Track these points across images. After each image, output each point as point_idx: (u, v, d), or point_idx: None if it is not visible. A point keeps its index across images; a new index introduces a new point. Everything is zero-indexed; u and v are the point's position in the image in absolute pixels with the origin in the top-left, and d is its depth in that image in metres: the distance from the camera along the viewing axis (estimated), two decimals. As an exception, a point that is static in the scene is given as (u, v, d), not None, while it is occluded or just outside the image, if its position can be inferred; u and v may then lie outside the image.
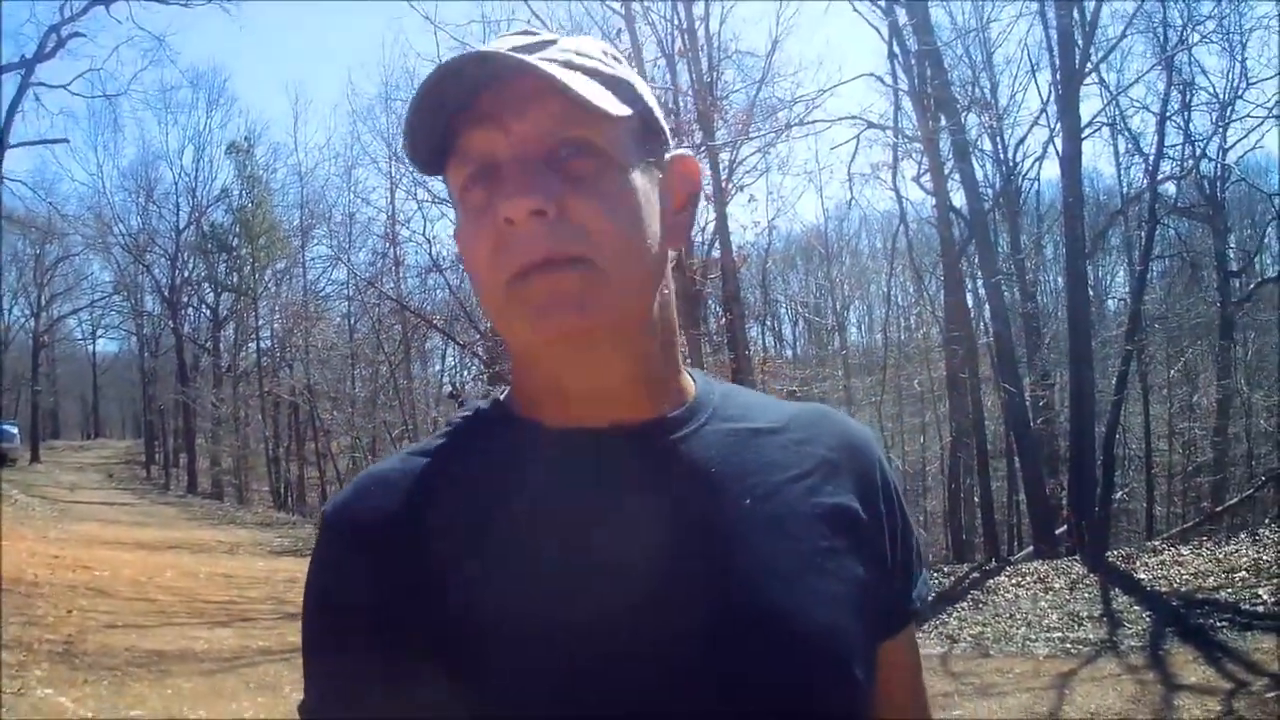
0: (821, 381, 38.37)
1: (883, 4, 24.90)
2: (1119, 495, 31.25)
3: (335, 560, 1.45)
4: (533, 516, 1.39)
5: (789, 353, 59.55)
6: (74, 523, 30.21)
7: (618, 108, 1.38)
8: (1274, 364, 30.59)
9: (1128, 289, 32.60)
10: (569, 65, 1.38)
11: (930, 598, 1.78)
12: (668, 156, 1.53)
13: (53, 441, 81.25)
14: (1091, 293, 35.58)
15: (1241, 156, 33.11)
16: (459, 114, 1.37)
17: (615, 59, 1.48)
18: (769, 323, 58.76)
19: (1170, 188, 30.67)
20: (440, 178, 1.49)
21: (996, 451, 32.09)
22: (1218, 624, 13.41)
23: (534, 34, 1.46)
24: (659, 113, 1.53)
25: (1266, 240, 38.01)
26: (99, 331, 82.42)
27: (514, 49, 1.38)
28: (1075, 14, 22.26)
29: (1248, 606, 13.86)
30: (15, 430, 58.94)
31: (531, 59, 1.34)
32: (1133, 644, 13.53)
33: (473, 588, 1.34)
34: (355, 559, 1.41)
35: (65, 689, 11.48)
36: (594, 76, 1.39)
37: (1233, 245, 36.08)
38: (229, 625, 16.20)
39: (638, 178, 1.43)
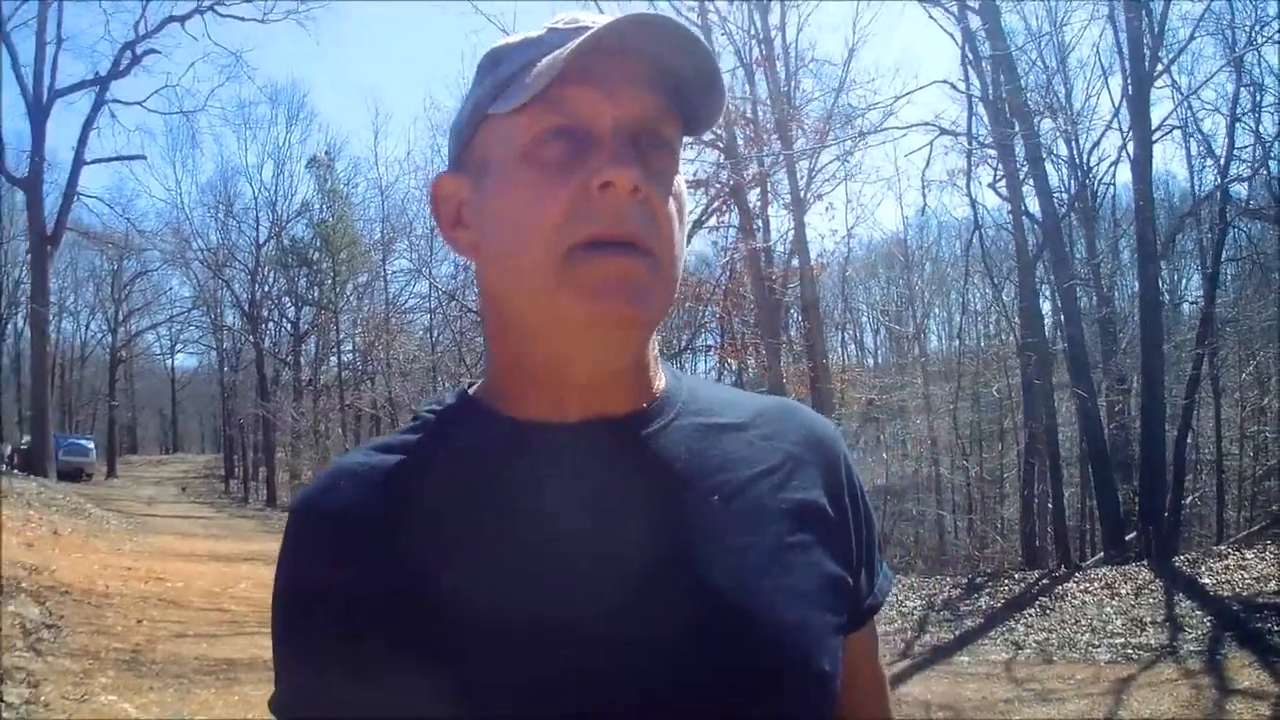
0: (900, 389, 38.25)
1: (955, 10, 24.86)
2: (1189, 500, 31.09)
3: (303, 553, 1.47)
4: (502, 511, 1.41)
5: (870, 361, 59.36)
6: (149, 535, 30.39)
7: (715, 120, 1.48)
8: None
9: (1201, 292, 32.33)
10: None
11: (890, 590, 1.75)
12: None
13: (130, 456, 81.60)
14: (1166, 297, 35.39)
15: None
16: (571, 68, 1.35)
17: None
18: (850, 331, 58.73)
19: (1241, 190, 30.59)
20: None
21: (1071, 458, 31.96)
22: (1276, 628, 13.53)
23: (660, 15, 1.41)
24: None
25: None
26: (178, 346, 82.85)
27: (685, 25, 1.40)
28: (1144, 17, 22.22)
29: (1312, 613, 13.81)
30: (91, 445, 59.28)
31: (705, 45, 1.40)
32: (1192, 649, 13.64)
33: (442, 581, 1.37)
34: (323, 552, 1.44)
35: (130, 695, 11.58)
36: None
37: None
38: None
39: (682, 187, 1.48)
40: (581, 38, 1.33)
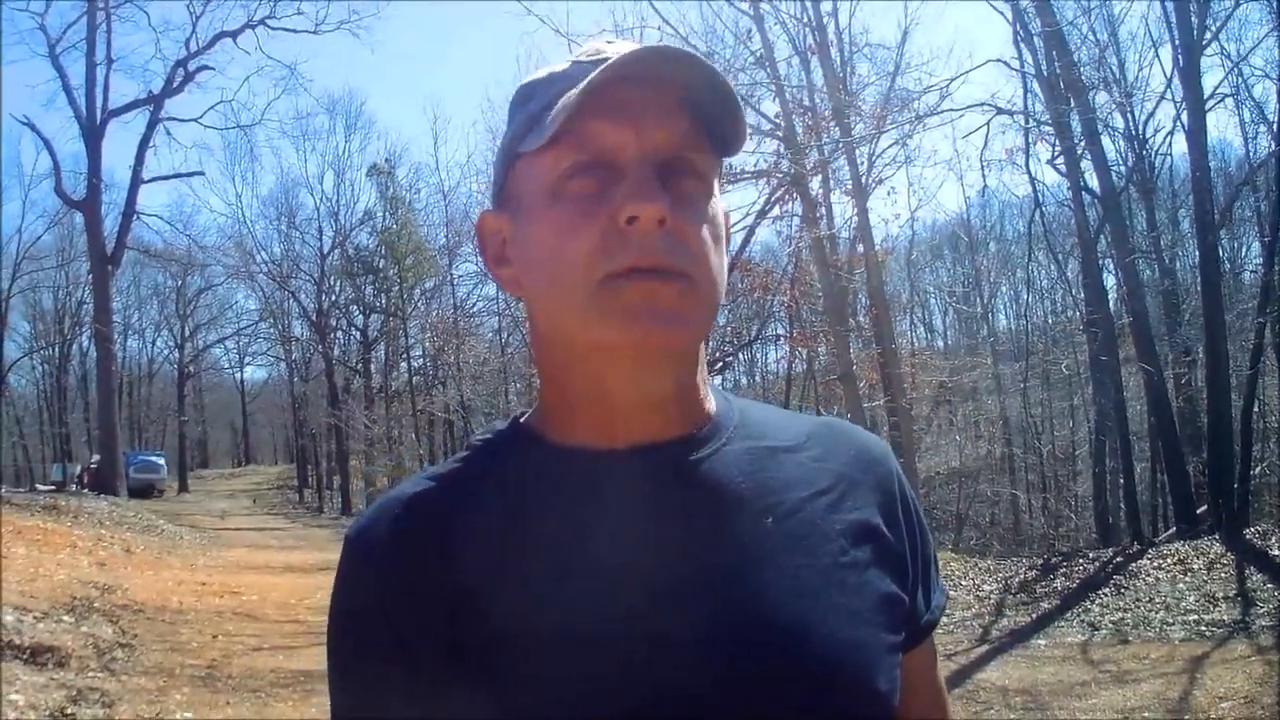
0: (971, 370, 38.14)
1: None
2: (1257, 471, 30.93)
3: (358, 580, 1.48)
4: (552, 537, 1.41)
5: (940, 343, 59.29)
6: (223, 549, 30.75)
7: (742, 143, 1.48)
8: None
9: (1260, 260, 32.11)
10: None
11: (945, 605, 1.76)
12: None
13: (201, 470, 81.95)
14: (1228, 266, 35.23)
15: None
16: (591, 99, 1.36)
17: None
18: (919, 314, 58.59)
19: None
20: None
21: (1141, 432, 31.84)
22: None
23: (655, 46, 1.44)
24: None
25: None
26: (246, 359, 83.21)
27: (697, 55, 1.40)
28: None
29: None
30: (162, 461, 59.70)
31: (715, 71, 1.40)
32: (1264, 624, 13.72)
33: (493, 608, 1.38)
34: (378, 579, 1.45)
35: (205, 711, 11.73)
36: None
37: None
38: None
39: (720, 214, 1.48)
40: (595, 71, 1.36)
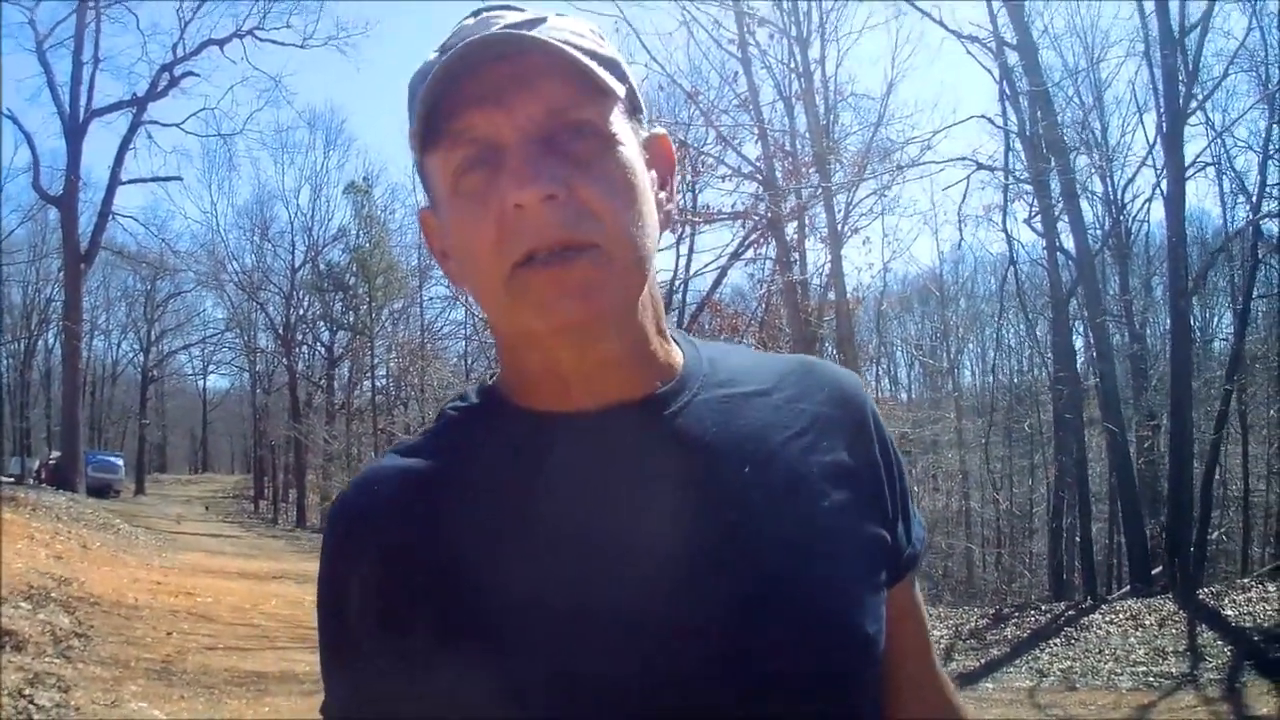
0: (934, 424, 38.33)
1: (993, 46, 25.09)
2: (1215, 535, 31.08)
3: (342, 555, 1.49)
4: (532, 502, 1.42)
5: (904, 395, 59.41)
6: (179, 552, 30.74)
7: (618, 86, 1.43)
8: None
9: (1232, 329, 32.35)
10: (568, 45, 1.39)
11: (925, 538, 1.73)
12: (646, 135, 1.54)
13: (159, 474, 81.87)
14: (1199, 334, 35.40)
15: None
16: (453, 93, 1.38)
17: (601, 37, 1.51)
18: (885, 365, 58.69)
19: (1273, 226, 30.63)
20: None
21: (1100, 493, 32.01)
22: (1295, 657, 13.50)
23: (520, 10, 1.47)
24: (640, 91, 1.56)
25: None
26: (210, 367, 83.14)
27: (507, 26, 1.41)
28: (1179, 54, 22.38)
29: (1327, 640, 13.93)
30: (120, 462, 59.51)
31: (532, 34, 1.38)
32: (1212, 677, 13.87)
33: (480, 575, 1.38)
34: (361, 552, 1.45)
35: (160, 704, 11.80)
36: (591, 56, 1.41)
37: None
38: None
39: (634, 159, 1.45)
40: (426, 81, 1.39)
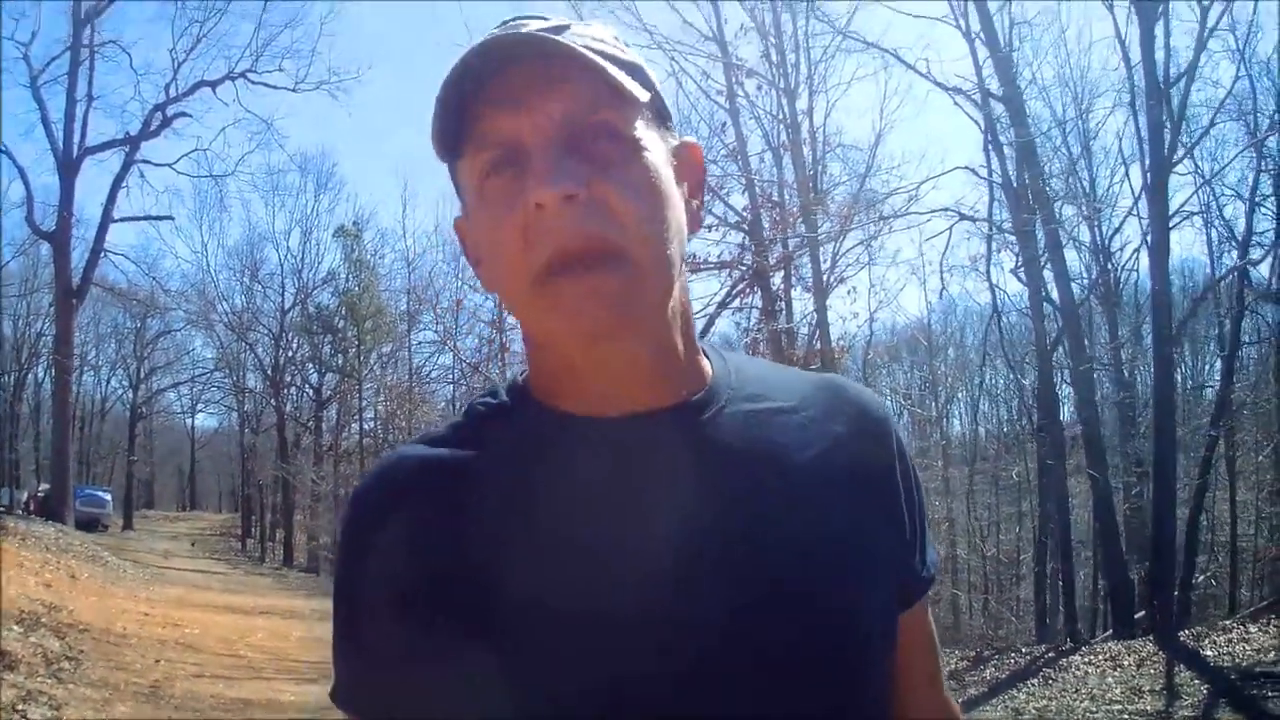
0: (922, 471, 38.49)
1: (978, 98, 25.22)
2: (1201, 579, 31.08)
3: (361, 540, 1.48)
4: (556, 503, 1.42)
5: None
6: (165, 585, 30.88)
7: (641, 92, 1.43)
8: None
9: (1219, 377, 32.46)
10: (589, 49, 1.39)
11: (938, 563, 1.72)
12: (675, 143, 1.55)
13: (147, 510, 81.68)
14: (1190, 381, 35.51)
15: None
16: (478, 97, 1.39)
17: (624, 43, 1.51)
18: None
19: (1263, 273, 30.71)
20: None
21: (1087, 538, 32.25)
22: (1269, 695, 13.90)
23: (545, 18, 1.48)
24: (666, 98, 1.58)
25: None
26: (199, 406, 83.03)
27: (533, 32, 1.41)
28: (1165, 105, 22.47)
29: (1301, 679, 14.07)
30: (108, 497, 59.54)
31: (557, 39, 1.39)
32: (1186, 714, 14.03)
33: (499, 568, 1.38)
34: (380, 538, 1.45)
35: None
36: (613, 61, 1.41)
37: None
38: (317, 682, 16.53)
39: (658, 163, 1.45)
40: (443, 82, 1.40)
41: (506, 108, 1.38)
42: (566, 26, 1.43)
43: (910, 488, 1.64)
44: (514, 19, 1.48)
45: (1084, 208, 30.95)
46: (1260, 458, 34.72)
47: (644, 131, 1.45)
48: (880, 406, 1.67)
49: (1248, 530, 34.25)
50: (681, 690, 1.33)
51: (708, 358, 1.58)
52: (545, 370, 1.51)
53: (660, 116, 1.52)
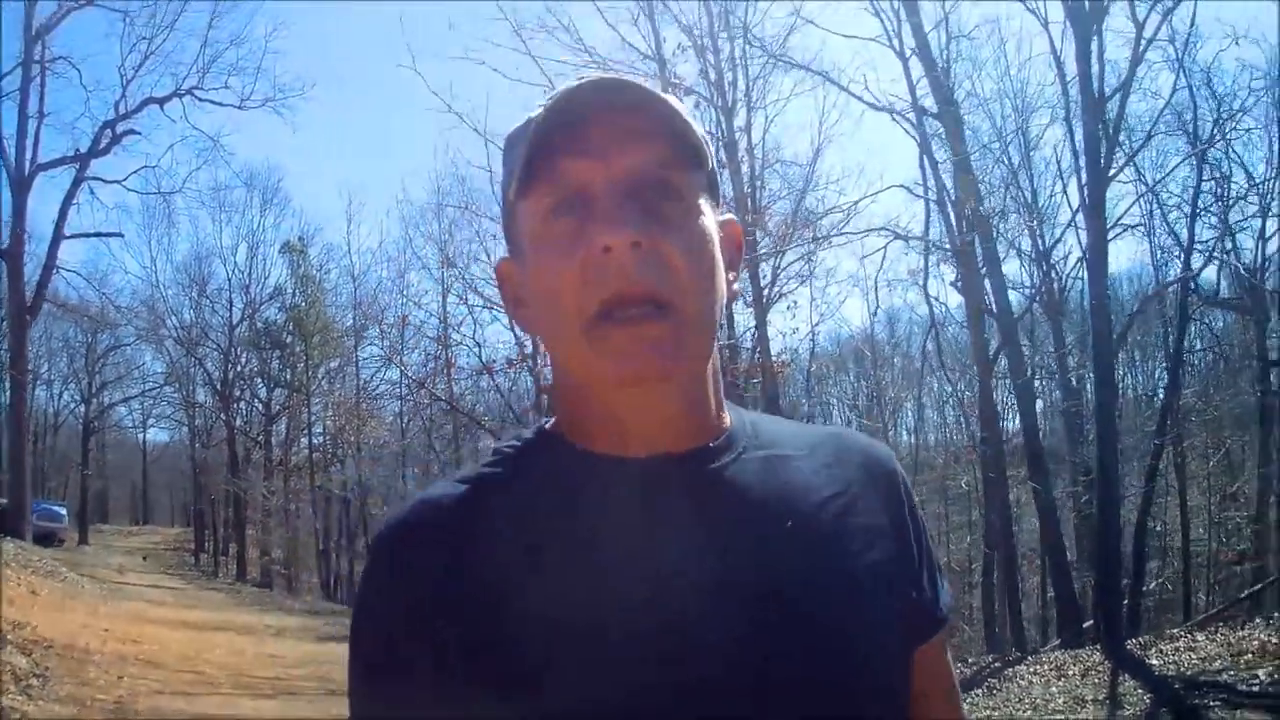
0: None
1: (912, 117, 25.41)
2: (1152, 585, 31.20)
3: (392, 581, 1.48)
4: (589, 541, 1.43)
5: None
6: (122, 601, 30.77)
7: (709, 160, 1.50)
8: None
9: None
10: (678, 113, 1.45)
11: (950, 603, 1.74)
12: (721, 218, 1.58)
13: (101, 525, 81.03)
14: (1140, 389, 35.64)
15: None
16: (553, 143, 1.42)
17: (693, 117, 1.51)
18: (821, 424, 59.14)
19: (1210, 279, 30.95)
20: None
21: (1037, 548, 32.10)
22: (1211, 704, 13.93)
23: (618, 76, 1.49)
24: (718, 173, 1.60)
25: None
26: (150, 420, 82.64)
27: (631, 80, 1.46)
28: (1100, 120, 22.58)
29: (1243, 687, 14.31)
30: (63, 511, 58.92)
31: (661, 94, 1.45)
32: (1127, 723, 13.96)
33: (532, 611, 1.39)
34: (413, 580, 1.45)
35: None
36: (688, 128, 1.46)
37: None
38: (274, 698, 16.90)
39: (712, 230, 1.50)
40: (539, 115, 1.43)
41: (583, 156, 1.42)
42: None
43: (919, 530, 1.69)
44: (589, 79, 1.49)
45: (1026, 218, 31.12)
46: (1211, 464, 34.90)
47: (699, 196, 1.49)
48: (888, 454, 1.73)
49: (1201, 536, 34.36)
50: None
51: (727, 413, 1.61)
52: (578, 412, 1.55)
53: (712, 190, 1.55)
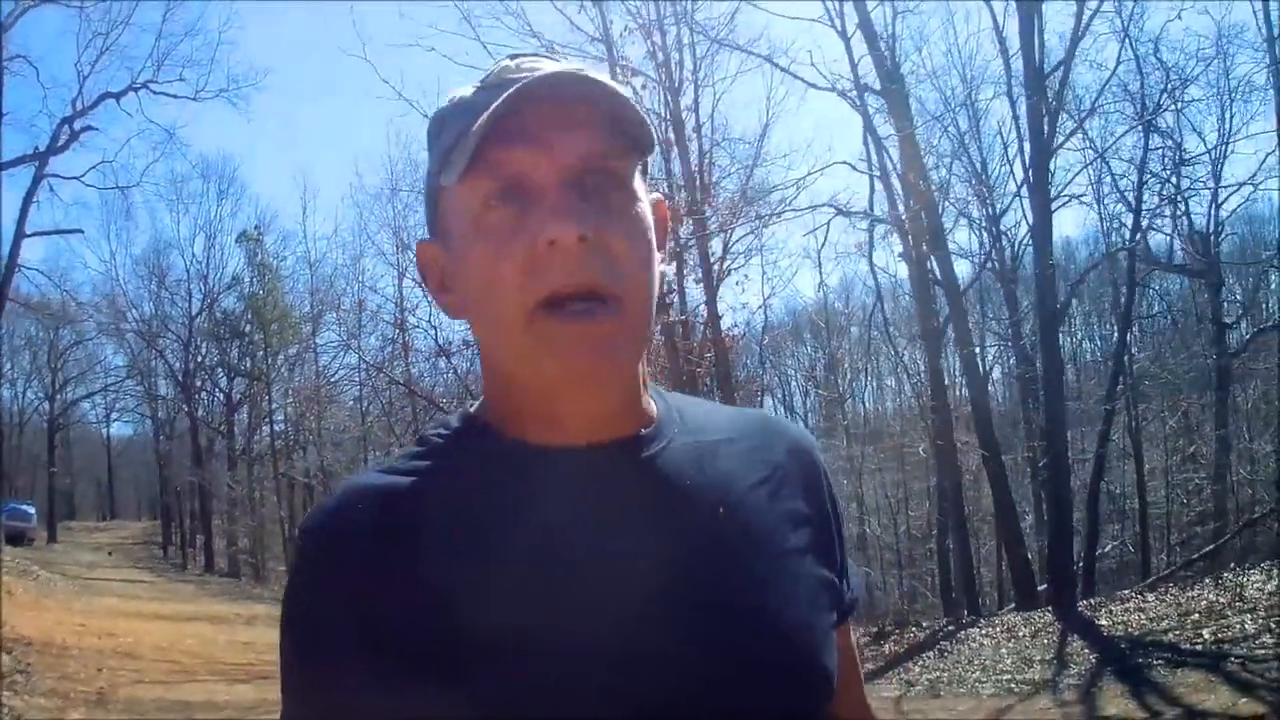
0: (826, 452, 38.73)
1: (852, 95, 25.76)
2: (1110, 548, 31.59)
3: (317, 572, 1.44)
4: (520, 531, 1.40)
5: (800, 424, 59.93)
6: (95, 597, 30.98)
7: (653, 142, 1.47)
8: (1276, 411, 30.57)
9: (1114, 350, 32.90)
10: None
11: (863, 586, 1.76)
12: (652, 197, 1.55)
13: (69, 522, 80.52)
14: (1096, 355, 35.83)
15: (1238, 207, 33.37)
16: (494, 128, 1.37)
17: (639, 99, 1.61)
18: (780, 395, 58.94)
19: (1163, 245, 31.33)
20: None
21: (987, 513, 32.49)
22: (1154, 663, 14.24)
23: (556, 60, 1.50)
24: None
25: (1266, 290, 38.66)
26: (113, 415, 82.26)
27: (583, 72, 1.43)
28: (1043, 94, 22.93)
29: (1187, 646, 14.70)
30: (32, 510, 58.62)
31: (613, 84, 1.41)
32: (1072, 682, 14.54)
33: (458, 598, 1.35)
34: (343, 573, 1.39)
35: None
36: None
37: (1239, 298, 36.10)
38: (248, 682, 17.20)
39: (649, 217, 1.48)
40: (493, 106, 1.36)
41: (527, 143, 1.39)
42: (582, 72, 1.45)
43: (838, 513, 1.71)
44: (525, 55, 1.53)
45: (975, 185, 31.39)
46: (1169, 425, 35.18)
47: (638, 183, 1.49)
48: (808, 437, 1.75)
49: (1158, 498, 34.80)
50: (636, 715, 1.35)
51: (651, 398, 1.60)
52: (509, 402, 1.51)
53: (644, 170, 1.53)
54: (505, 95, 1.35)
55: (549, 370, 1.39)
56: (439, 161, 1.47)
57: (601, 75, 1.43)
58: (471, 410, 1.60)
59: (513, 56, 1.51)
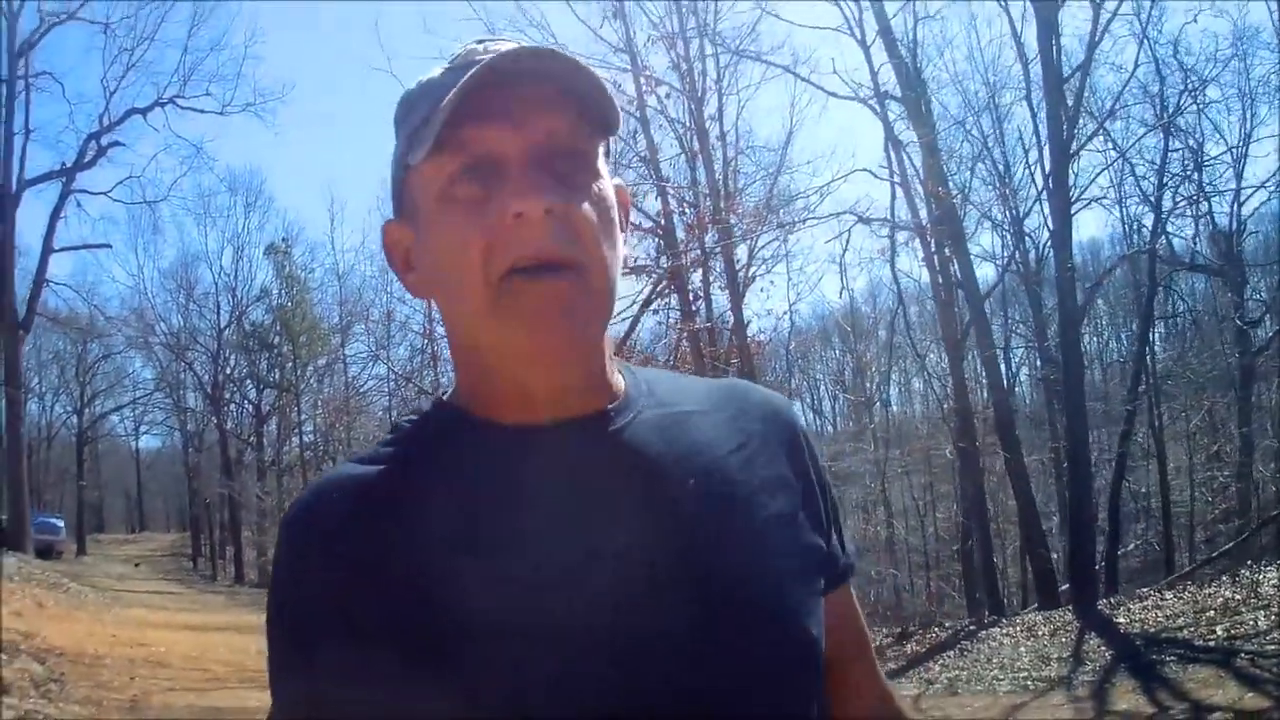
0: (854, 455, 38.61)
1: (873, 102, 25.89)
2: (1133, 546, 31.66)
3: (296, 564, 1.45)
4: (489, 511, 1.41)
5: (829, 427, 59.68)
6: (125, 608, 31.10)
7: (618, 121, 1.49)
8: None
9: (1152, 350, 32.96)
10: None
11: (856, 553, 1.80)
12: (614, 182, 1.55)
13: (98, 535, 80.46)
14: (1121, 355, 35.79)
15: (1261, 205, 33.31)
16: (461, 106, 1.38)
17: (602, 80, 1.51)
18: (808, 399, 58.94)
19: (1180, 245, 31.44)
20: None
21: (1013, 514, 32.33)
22: (1166, 659, 14.45)
23: (527, 42, 1.48)
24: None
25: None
26: (142, 428, 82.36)
27: (555, 50, 1.43)
28: (1062, 99, 23.10)
29: (1200, 643, 14.90)
30: (61, 523, 58.48)
31: (583, 62, 1.42)
32: (1086, 679, 14.74)
33: (437, 583, 1.36)
34: (324, 562, 1.41)
35: None
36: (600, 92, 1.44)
37: (1262, 296, 35.98)
38: (279, 690, 17.46)
39: (612, 196, 1.49)
40: (464, 78, 1.38)
41: (494, 121, 1.41)
42: (550, 52, 1.45)
43: (823, 481, 1.71)
44: (492, 39, 1.55)
45: (998, 187, 31.50)
46: (1192, 424, 35.41)
47: (602, 164, 1.51)
48: (785, 404, 1.75)
49: (1183, 496, 34.86)
50: (627, 698, 1.35)
51: (619, 373, 1.60)
52: (480, 382, 1.52)
53: (607, 151, 1.56)
54: (472, 71, 1.38)
55: (514, 335, 1.40)
56: (407, 141, 1.50)
57: (570, 53, 1.44)
58: (444, 396, 1.62)
59: (479, 41, 1.54)
